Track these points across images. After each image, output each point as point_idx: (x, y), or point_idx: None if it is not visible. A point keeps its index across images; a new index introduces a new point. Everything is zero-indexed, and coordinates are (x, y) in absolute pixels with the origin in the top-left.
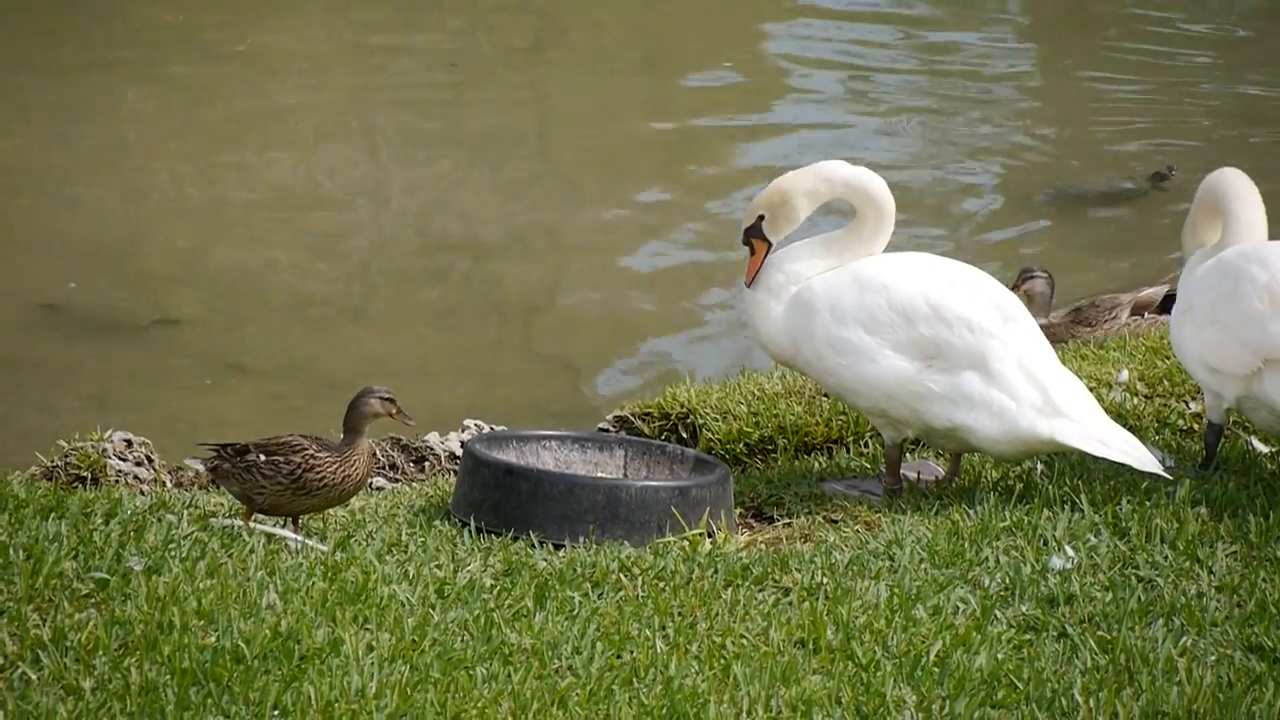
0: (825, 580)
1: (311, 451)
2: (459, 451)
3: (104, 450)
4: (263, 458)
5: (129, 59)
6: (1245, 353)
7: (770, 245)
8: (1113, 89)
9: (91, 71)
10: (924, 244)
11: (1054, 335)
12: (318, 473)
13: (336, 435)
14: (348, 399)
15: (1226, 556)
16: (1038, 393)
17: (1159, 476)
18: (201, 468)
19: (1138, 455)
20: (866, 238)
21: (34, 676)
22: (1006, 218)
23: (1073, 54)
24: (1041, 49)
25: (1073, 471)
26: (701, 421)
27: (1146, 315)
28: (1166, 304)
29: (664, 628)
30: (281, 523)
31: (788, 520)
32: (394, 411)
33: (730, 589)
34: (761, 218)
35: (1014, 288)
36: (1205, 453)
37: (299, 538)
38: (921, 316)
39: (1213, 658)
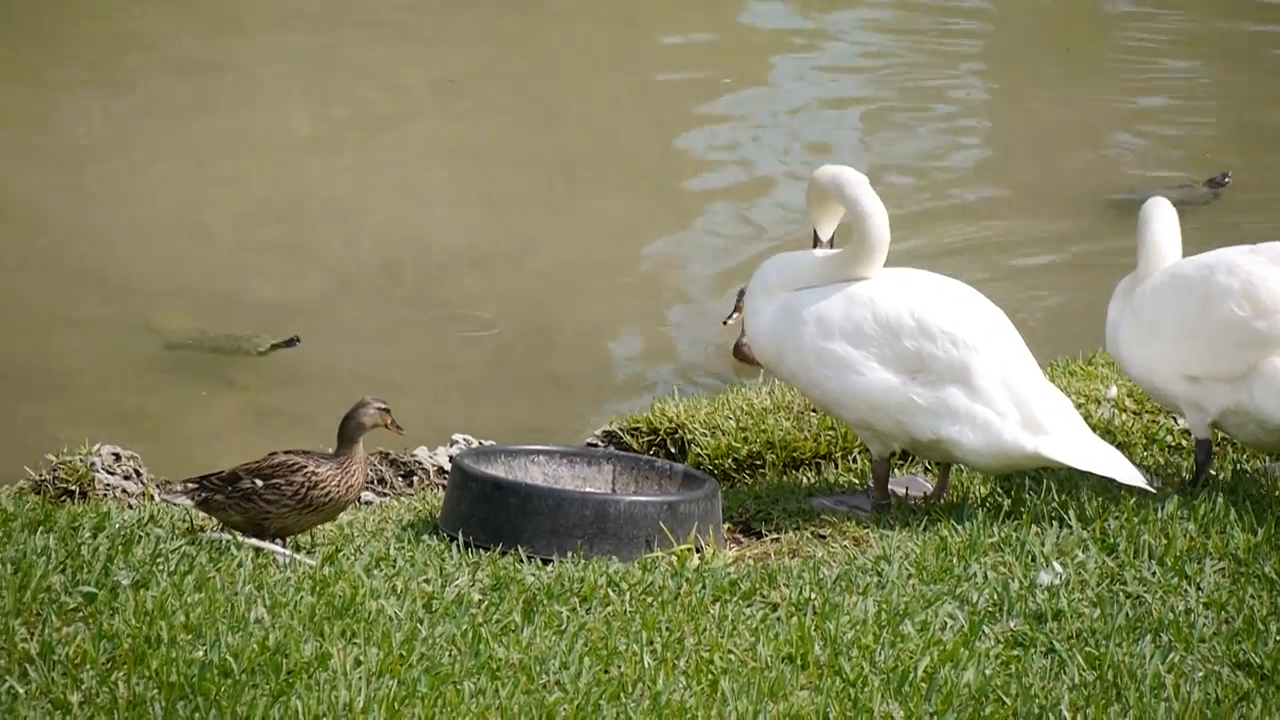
0: (813, 596)
1: (311, 469)
2: (447, 466)
3: (92, 464)
4: (260, 483)
5: (89, 66)
6: (1241, 351)
7: (815, 232)
8: (1157, 85)
9: (51, 80)
10: (966, 254)
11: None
12: (322, 489)
13: (324, 447)
14: (336, 412)
15: (1214, 573)
16: (1022, 407)
17: (1144, 491)
18: (188, 502)
19: (1122, 470)
20: (851, 261)
21: (21, 690)
22: (1053, 227)
23: (1109, 53)
24: (1074, 49)
25: (1060, 487)
26: (690, 437)
27: None
28: None
29: (652, 643)
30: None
31: (776, 535)
32: (389, 422)
33: (718, 604)
34: None
35: (734, 310)
36: (1196, 470)
37: (287, 552)
38: (906, 330)
39: (1200, 674)
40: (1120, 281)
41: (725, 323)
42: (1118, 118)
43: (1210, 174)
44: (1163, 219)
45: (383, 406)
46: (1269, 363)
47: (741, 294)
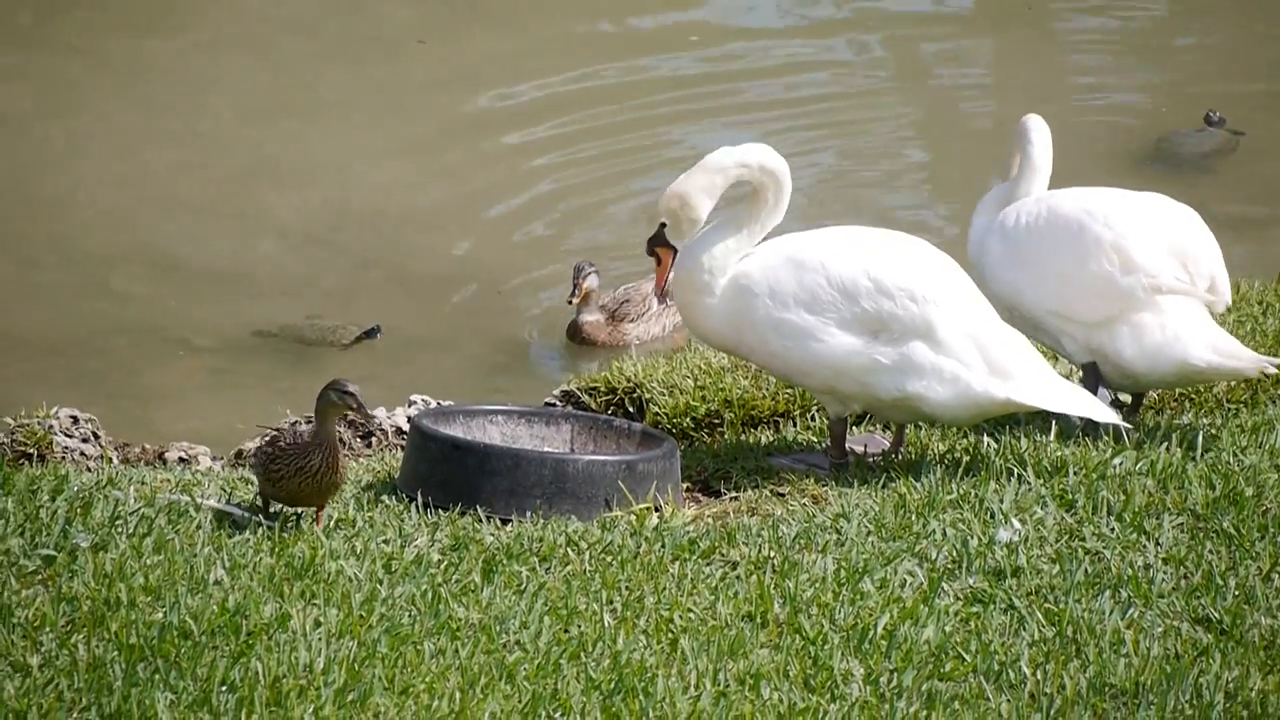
0: (772, 554)
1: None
2: (406, 427)
3: (50, 427)
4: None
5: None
6: (1100, 302)
7: (675, 251)
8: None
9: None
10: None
11: (591, 337)
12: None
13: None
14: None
15: (1173, 528)
16: (987, 355)
17: (1120, 428)
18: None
19: (1096, 409)
20: (771, 209)
21: None
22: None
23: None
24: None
25: (1019, 443)
26: (648, 396)
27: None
28: None
29: (611, 602)
30: (228, 498)
31: (735, 494)
32: (354, 406)
33: (677, 563)
34: (664, 225)
35: (574, 289)
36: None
37: (246, 513)
38: (863, 291)
39: (1159, 629)
40: (990, 191)
41: (570, 302)
42: (1081, 76)
43: (1197, 121)
44: (1044, 138)
45: (347, 390)
46: (1137, 316)
47: (578, 271)
